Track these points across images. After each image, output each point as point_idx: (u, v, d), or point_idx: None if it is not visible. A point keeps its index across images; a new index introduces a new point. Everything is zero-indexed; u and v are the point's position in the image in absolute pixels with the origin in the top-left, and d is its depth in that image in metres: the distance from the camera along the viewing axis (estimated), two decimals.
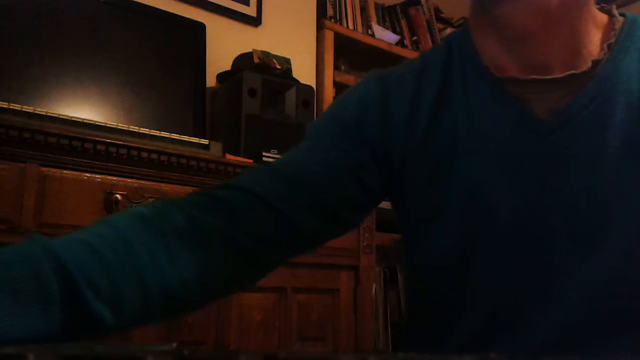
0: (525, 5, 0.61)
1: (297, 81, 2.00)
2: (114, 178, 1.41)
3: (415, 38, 2.77)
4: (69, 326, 0.45)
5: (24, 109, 1.34)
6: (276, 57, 2.04)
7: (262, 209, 0.61)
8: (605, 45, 0.64)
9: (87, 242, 0.49)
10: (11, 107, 1.33)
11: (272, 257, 0.63)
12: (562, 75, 0.62)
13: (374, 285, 1.86)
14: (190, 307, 0.59)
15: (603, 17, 0.67)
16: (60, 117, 1.39)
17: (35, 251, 0.45)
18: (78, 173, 1.36)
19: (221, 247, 0.58)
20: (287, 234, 0.63)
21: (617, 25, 0.66)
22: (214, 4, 2.15)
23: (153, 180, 1.46)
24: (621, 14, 0.67)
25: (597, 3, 0.66)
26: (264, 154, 1.73)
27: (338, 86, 2.41)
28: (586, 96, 0.62)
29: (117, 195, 1.39)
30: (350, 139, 0.68)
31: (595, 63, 0.63)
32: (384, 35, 2.61)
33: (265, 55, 2.01)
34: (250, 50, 2.02)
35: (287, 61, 2.07)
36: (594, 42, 0.64)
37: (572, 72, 0.62)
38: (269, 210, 0.62)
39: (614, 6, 0.68)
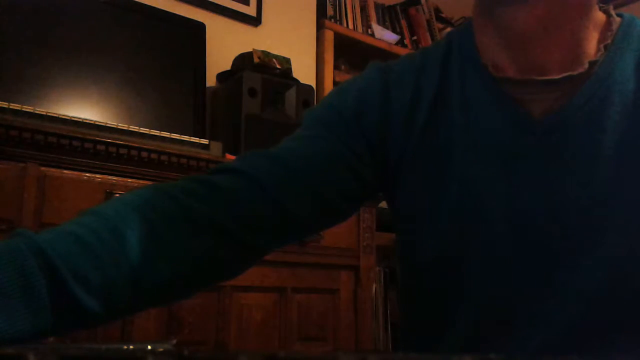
0: (528, 8, 0.61)
1: (297, 81, 1.99)
2: (114, 178, 1.41)
3: (415, 38, 2.77)
4: (59, 321, 0.45)
5: (24, 109, 1.34)
6: (276, 56, 2.04)
7: (257, 194, 0.61)
8: (601, 46, 0.64)
9: (74, 233, 0.49)
10: (11, 107, 1.33)
11: (264, 243, 0.63)
12: (559, 76, 0.62)
13: (374, 285, 1.86)
14: (181, 295, 0.58)
15: (602, 17, 0.67)
16: (60, 117, 1.39)
17: (20, 247, 0.45)
18: (78, 173, 1.36)
19: (213, 235, 0.58)
20: (281, 221, 0.63)
21: (614, 26, 0.66)
22: (214, 3, 2.15)
23: (153, 180, 1.46)
24: (618, 15, 0.67)
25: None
26: None
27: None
28: (582, 97, 0.62)
29: (117, 195, 1.38)
30: (347, 129, 0.68)
31: (592, 64, 0.63)
32: (384, 35, 2.61)
33: (265, 55, 2.01)
34: (250, 50, 2.02)
35: (287, 61, 2.07)
36: (591, 43, 0.64)
37: (569, 73, 0.62)
38: (265, 195, 0.61)
39: (611, 6, 0.68)
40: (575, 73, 0.62)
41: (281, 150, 0.66)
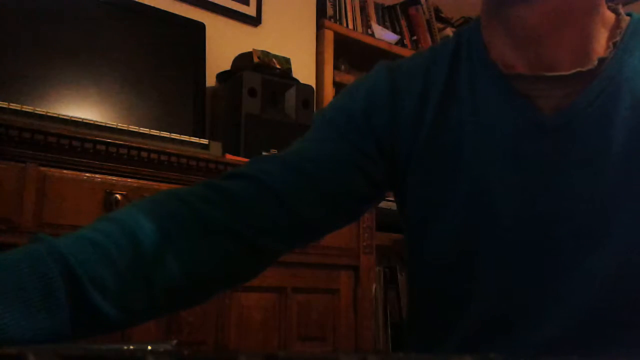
0: (538, 7, 0.61)
1: (297, 81, 1.99)
2: (114, 178, 1.41)
3: (415, 38, 2.77)
4: (77, 327, 0.46)
5: (24, 109, 1.34)
6: (276, 56, 2.04)
7: (268, 198, 0.62)
8: (611, 44, 0.64)
9: (92, 240, 0.50)
10: (11, 107, 1.33)
11: (276, 247, 0.64)
12: (568, 72, 0.62)
13: (374, 285, 1.86)
14: (196, 300, 0.60)
15: (610, 16, 0.67)
16: (60, 117, 1.39)
17: (41, 253, 0.46)
18: (78, 173, 1.36)
19: (226, 240, 0.58)
20: (292, 225, 0.63)
21: (623, 24, 0.66)
22: (214, 3, 2.15)
23: (153, 180, 1.46)
24: (627, 13, 0.68)
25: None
26: (264, 153, 1.73)
27: (338, 86, 2.41)
28: (591, 93, 0.63)
29: (117, 195, 1.38)
30: (357, 130, 0.68)
31: (601, 61, 0.63)
32: (384, 35, 2.61)
33: (265, 55, 2.01)
34: (250, 50, 2.01)
35: (287, 61, 2.07)
36: (600, 41, 0.65)
37: (579, 69, 0.62)
38: (276, 200, 0.62)
39: (620, 5, 0.68)
40: (584, 69, 0.62)
41: (291, 154, 0.67)
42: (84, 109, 1.68)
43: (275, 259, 0.65)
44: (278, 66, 2.00)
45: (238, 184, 0.62)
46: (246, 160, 1.67)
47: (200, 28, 2.02)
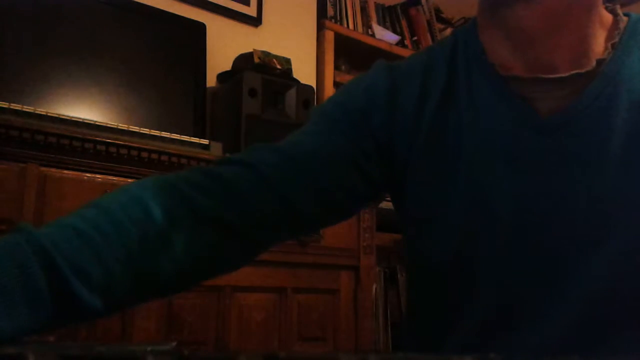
0: (535, 8, 0.61)
1: (297, 81, 1.99)
2: (114, 178, 1.41)
3: (415, 38, 2.77)
4: (59, 317, 0.45)
5: (24, 109, 1.34)
6: (276, 57, 2.04)
7: (262, 187, 0.61)
8: (609, 45, 0.64)
9: (75, 227, 0.49)
10: (11, 107, 1.33)
11: (265, 238, 0.63)
12: (566, 74, 0.62)
13: (374, 285, 1.86)
14: (181, 287, 0.58)
15: (608, 17, 0.67)
16: (60, 117, 1.39)
17: (20, 244, 0.45)
18: (78, 173, 1.36)
19: (215, 229, 0.58)
20: (284, 216, 0.63)
21: (621, 25, 0.66)
22: (214, 4, 2.15)
23: None
24: (625, 14, 0.68)
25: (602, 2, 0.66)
26: None
27: (338, 86, 2.41)
28: (589, 95, 0.62)
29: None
30: (354, 127, 0.68)
31: (599, 62, 0.63)
32: (384, 35, 2.61)
33: (266, 55, 2.01)
34: (251, 50, 2.02)
35: (287, 61, 2.07)
36: (599, 42, 0.65)
37: (577, 71, 0.62)
38: (269, 189, 0.61)
39: (618, 6, 0.68)
40: (582, 71, 0.62)
41: (288, 145, 0.66)
42: (84, 109, 1.68)
43: (265, 249, 0.64)
44: (278, 66, 2.00)
45: (233, 170, 0.61)
46: None
47: (200, 28, 2.02)
